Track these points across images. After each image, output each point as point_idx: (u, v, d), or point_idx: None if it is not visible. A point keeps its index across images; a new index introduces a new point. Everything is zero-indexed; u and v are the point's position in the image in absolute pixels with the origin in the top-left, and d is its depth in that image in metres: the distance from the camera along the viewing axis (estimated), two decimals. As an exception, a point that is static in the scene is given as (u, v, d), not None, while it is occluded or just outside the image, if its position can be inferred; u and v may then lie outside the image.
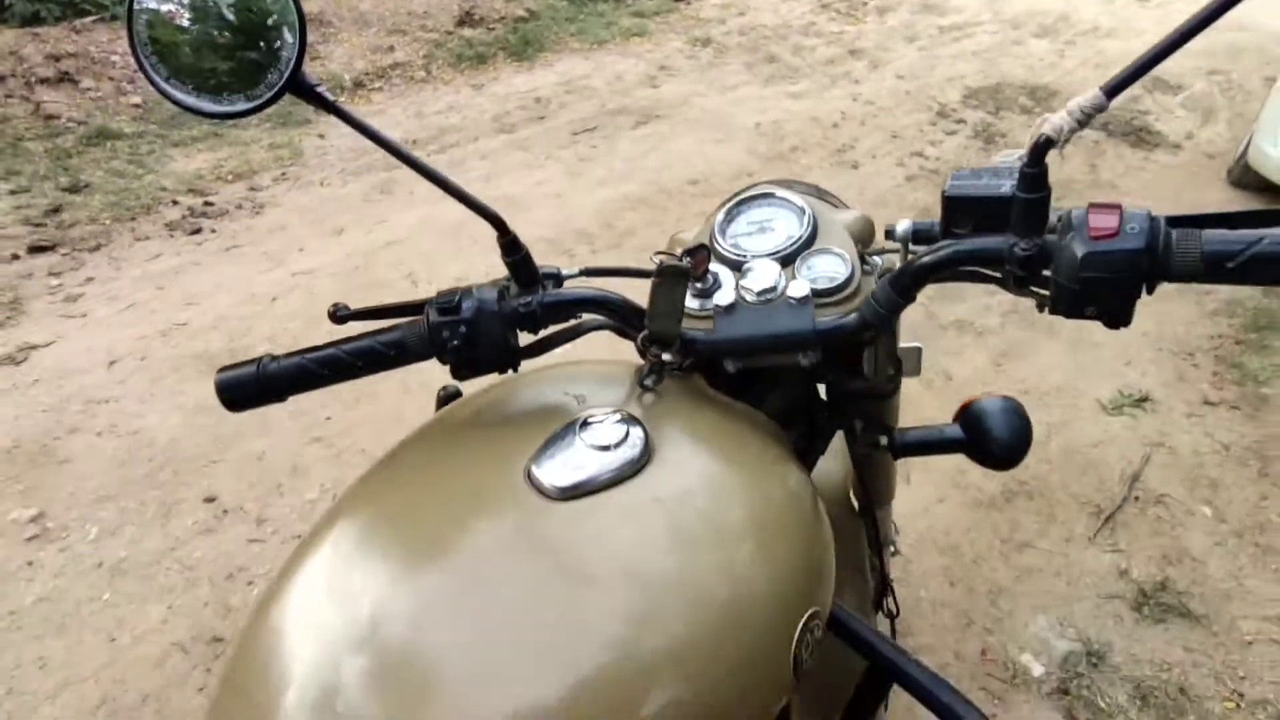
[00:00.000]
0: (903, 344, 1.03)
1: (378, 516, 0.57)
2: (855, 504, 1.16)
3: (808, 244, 0.71)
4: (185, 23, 0.64)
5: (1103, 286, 0.52)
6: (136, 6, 0.62)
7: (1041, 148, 0.52)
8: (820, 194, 0.89)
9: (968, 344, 2.75)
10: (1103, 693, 1.70)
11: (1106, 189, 3.77)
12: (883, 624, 1.38)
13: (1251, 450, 2.31)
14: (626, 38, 5.56)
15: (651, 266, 0.68)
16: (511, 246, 0.68)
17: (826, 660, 0.74)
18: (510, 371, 0.72)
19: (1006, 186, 0.58)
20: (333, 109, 0.63)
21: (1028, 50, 5.75)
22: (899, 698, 0.67)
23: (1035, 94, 4.88)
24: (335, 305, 0.78)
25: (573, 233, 3.28)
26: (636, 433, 0.59)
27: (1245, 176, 3.62)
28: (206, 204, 3.40)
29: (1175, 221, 0.55)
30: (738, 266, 0.71)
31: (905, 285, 0.61)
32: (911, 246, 0.71)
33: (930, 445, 0.82)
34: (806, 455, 0.86)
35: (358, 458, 2.21)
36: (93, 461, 2.23)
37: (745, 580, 0.52)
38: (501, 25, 5.29)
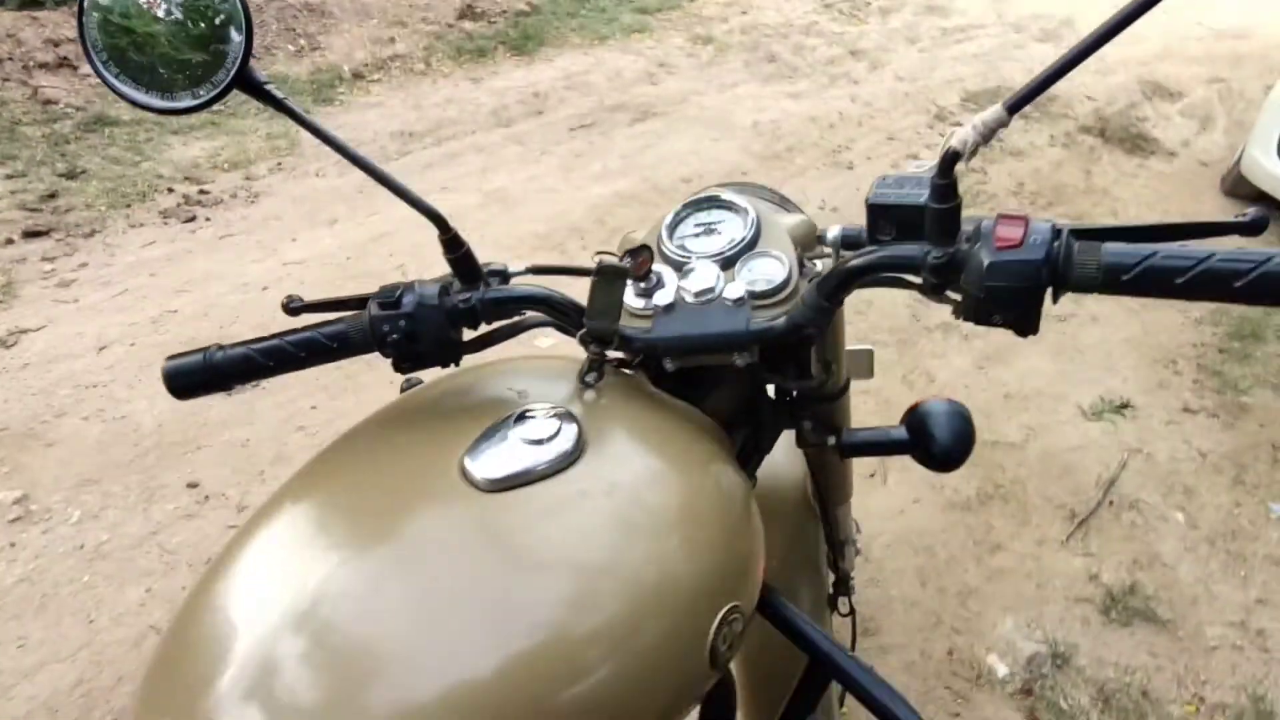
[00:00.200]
0: (853, 346, 1.05)
1: (318, 503, 0.59)
2: (815, 504, 1.18)
3: (750, 246, 0.73)
4: (135, 21, 0.66)
5: (1007, 295, 0.53)
6: (87, 4, 0.64)
7: (949, 160, 0.53)
8: (773, 197, 0.91)
9: (952, 346, 2.77)
10: (1066, 694, 1.72)
11: (1099, 195, 3.78)
12: (843, 623, 1.41)
13: (1228, 458, 2.32)
14: (628, 34, 5.57)
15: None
16: (452, 244, 0.70)
17: (774, 656, 0.76)
18: (453, 366, 0.75)
19: (924, 196, 0.60)
20: (280, 106, 0.65)
21: (1029, 54, 5.74)
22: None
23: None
24: (289, 297, 0.80)
25: (565, 228, 3.29)
26: (570, 428, 0.61)
27: (1238, 186, 3.63)
28: (202, 192, 3.43)
29: (1082, 234, 0.57)
30: (681, 267, 0.73)
31: (830, 290, 0.63)
32: (842, 252, 0.73)
33: (876, 446, 0.84)
34: (753, 454, 0.88)
35: (340, 447, 2.24)
36: (79, 445, 2.26)
37: (664, 572, 0.54)
38: (503, 19, 5.30)
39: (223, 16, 0.63)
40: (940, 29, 6.19)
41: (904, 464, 2.35)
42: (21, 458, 2.23)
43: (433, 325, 0.69)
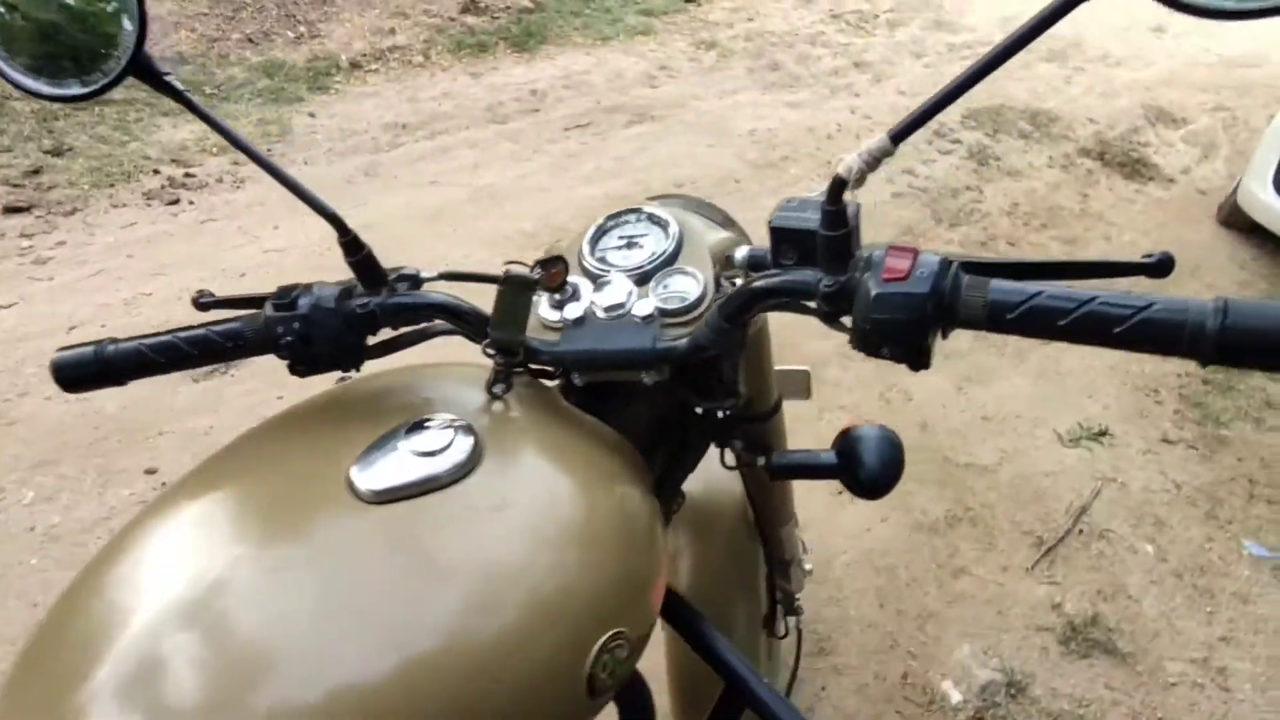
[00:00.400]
0: (790, 367, 1.02)
1: (207, 504, 0.57)
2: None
3: (669, 262, 0.71)
4: (23, 5, 0.64)
5: (892, 328, 0.52)
6: (-24, -10, 0.62)
7: (836, 187, 0.52)
8: (715, 215, 0.89)
9: (934, 364, 2.74)
10: (1018, 725, 1.69)
11: (1093, 219, 3.75)
12: (788, 644, 1.38)
13: (1203, 491, 2.29)
14: (631, 36, 5.55)
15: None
16: (352, 246, 0.68)
17: (704, 669, 0.74)
18: (354, 371, 0.72)
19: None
20: (179, 97, 0.63)
21: (1034, 74, 5.71)
22: None
23: (1036, 119, 4.85)
24: (200, 291, 0.78)
25: (550, 228, 3.27)
26: (465, 440, 0.60)
27: (1234, 216, 3.60)
28: (187, 175, 3.41)
29: (982, 267, 0.54)
30: (597, 280, 0.71)
31: (730, 312, 0.61)
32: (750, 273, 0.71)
33: (806, 469, 0.82)
34: (674, 473, 0.86)
35: (304, 439, 2.21)
36: (39, 425, 2.24)
37: (542, 593, 0.52)
38: (506, 15, 5.28)
39: (115, 4, 0.62)
40: (947, 44, 6.16)
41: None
42: (-20, 435, 2.20)
43: (328, 329, 0.67)
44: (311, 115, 4.10)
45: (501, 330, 0.67)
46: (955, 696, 1.74)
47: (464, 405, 0.68)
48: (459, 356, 0.74)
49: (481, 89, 4.55)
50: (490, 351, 0.68)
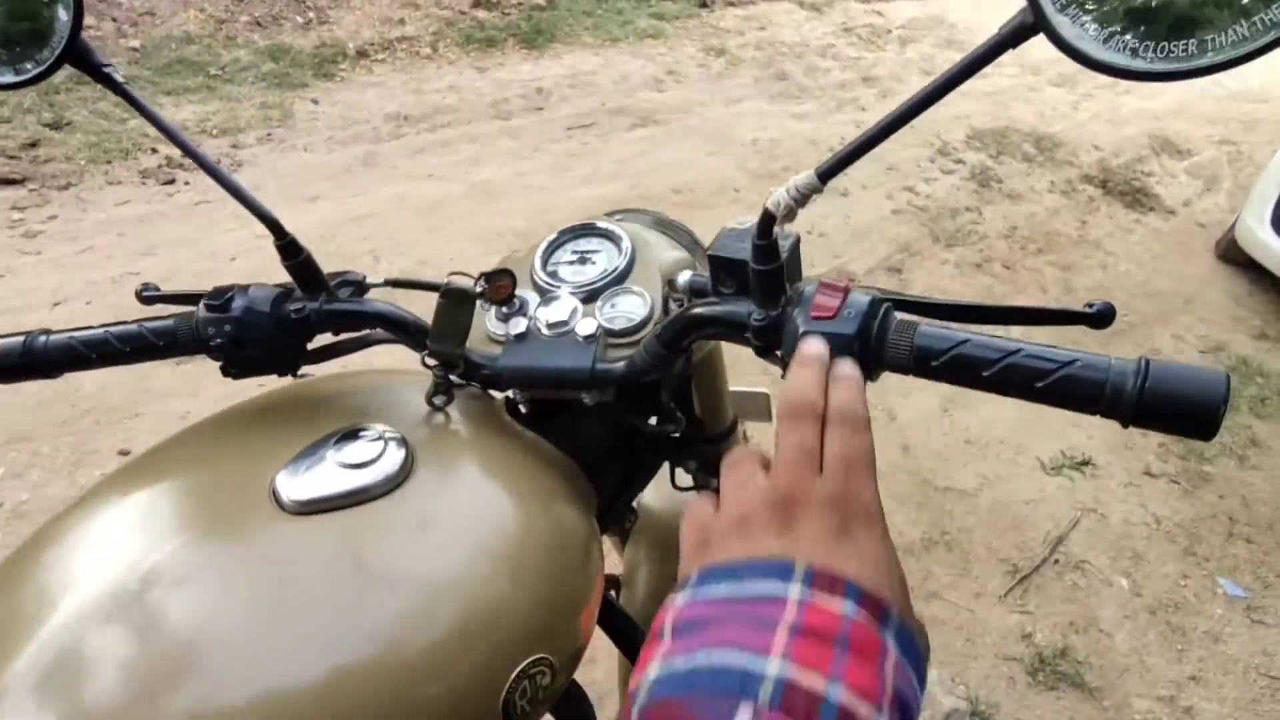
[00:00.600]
0: (748, 388, 1.01)
1: (133, 502, 0.56)
2: None
3: (619, 281, 0.70)
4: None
5: None
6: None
7: (766, 222, 0.51)
8: (682, 237, 0.87)
9: (919, 385, 2.72)
10: (979, 756, 1.67)
11: (1091, 247, 3.74)
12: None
13: (1182, 527, 2.28)
14: (641, 38, 5.54)
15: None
16: (289, 250, 0.66)
17: None
18: (290, 376, 0.71)
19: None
20: (117, 89, 0.62)
21: (1042, 97, 5.71)
22: None
23: (1040, 143, 4.85)
24: (143, 285, 0.77)
25: (546, 228, 3.20)
26: (397, 453, 0.58)
27: (1231, 251, 3.59)
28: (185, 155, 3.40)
29: (916, 307, 0.53)
30: (545, 295, 0.70)
31: (668, 338, 0.60)
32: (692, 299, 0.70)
33: None
34: (621, 493, 0.84)
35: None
36: (16, 400, 2.22)
37: (462, 614, 0.51)
38: (517, 11, 5.28)
39: None
40: (957, 64, 6.16)
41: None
42: (-45, 408, 2.19)
43: (261, 333, 0.66)
44: (314, 102, 4.09)
45: (440, 342, 0.66)
46: (918, 723, 1.72)
47: (402, 415, 0.67)
48: (414, 360, 0.73)
49: (487, 84, 4.55)
50: (430, 363, 0.67)
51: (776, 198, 0.50)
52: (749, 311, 0.55)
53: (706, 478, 0.85)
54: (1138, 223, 4.06)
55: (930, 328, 0.49)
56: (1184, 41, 0.33)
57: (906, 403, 2.63)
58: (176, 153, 3.47)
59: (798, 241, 0.58)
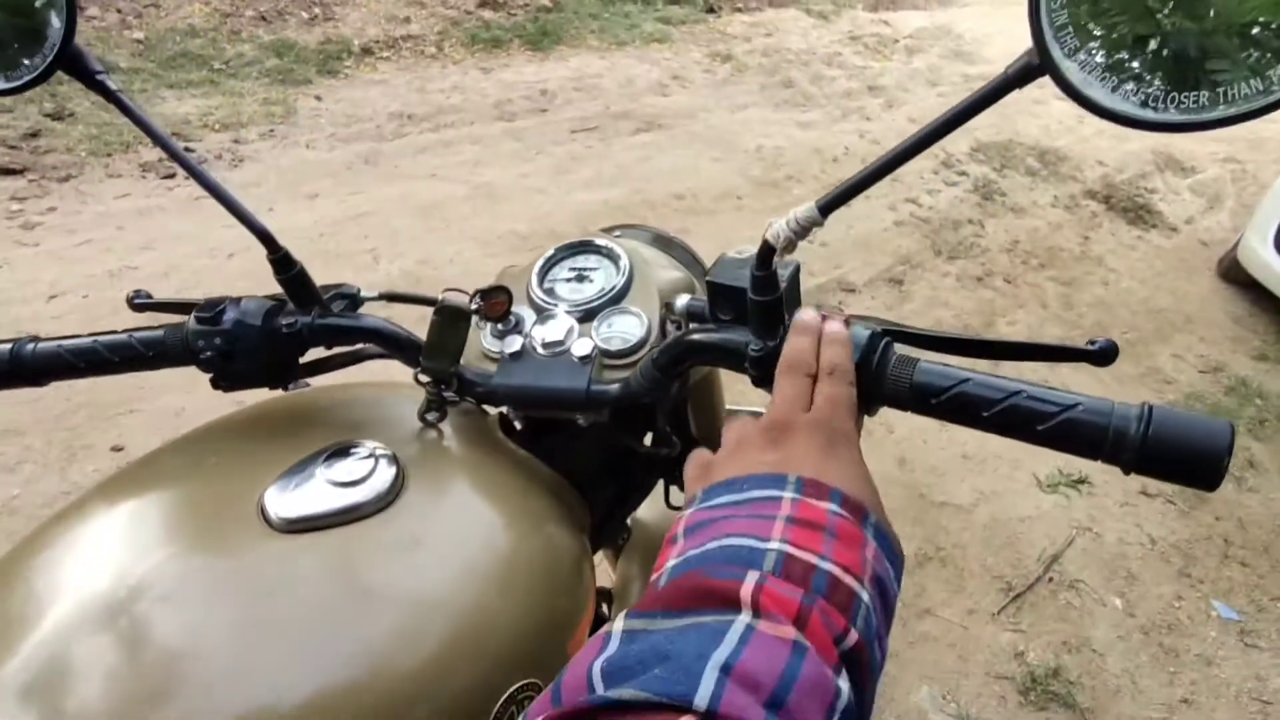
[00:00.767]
0: (745, 407, 1.00)
1: (121, 511, 0.56)
2: None
3: (616, 300, 0.69)
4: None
5: None
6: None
7: (765, 253, 0.50)
8: (681, 255, 0.86)
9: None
10: (968, 775, 1.66)
11: (1092, 263, 3.74)
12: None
13: (1177, 548, 2.27)
14: (647, 42, 5.54)
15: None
16: (283, 263, 0.65)
17: None
18: (280, 389, 0.71)
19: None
20: (110, 96, 0.61)
21: (1048, 111, 5.70)
22: None
23: (1044, 156, 4.84)
24: (135, 291, 0.76)
25: (546, 231, 3.25)
26: (387, 471, 0.58)
27: (1233, 271, 3.58)
28: (186, 149, 3.37)
29: (917, 339, 0.53)
30: (542, 313, 0.69)
31: (664, 363, 0.60)
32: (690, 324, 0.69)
33: None
34: (616, 511, 0.84)
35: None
36: (7, 395, 2.20)
37: (450, 638, 0.51)
38: (523, 12, 5.27)
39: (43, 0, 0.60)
40: (963, 75, 6.15)
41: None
42: (-52, 399, 2.18)
43: (252, 346, 0.65)
44: (318, 98, 4.08)
45: (434, 359, 0.65)
46: (908, 741, 1.72)
47: (394, 431, 0.66)
48: (407, 371, 0.73)
49: (492, 85, 4.54)
50: (423, 380, 0.67)
51: (776, 229, 0.50)
52: (747, 341, 0.54)
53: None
54: (1140, 239, 4.06)
55: (930, 364, 0.49)
56: (1196, 94, 0.32)
57: (904, 416, 2.62)
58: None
59: (797, 270, 0.58)
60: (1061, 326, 3.22)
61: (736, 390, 0.92)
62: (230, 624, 0.47)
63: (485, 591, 0.53)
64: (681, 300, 0.65)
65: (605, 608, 1.05)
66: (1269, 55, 0.31)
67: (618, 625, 0.33)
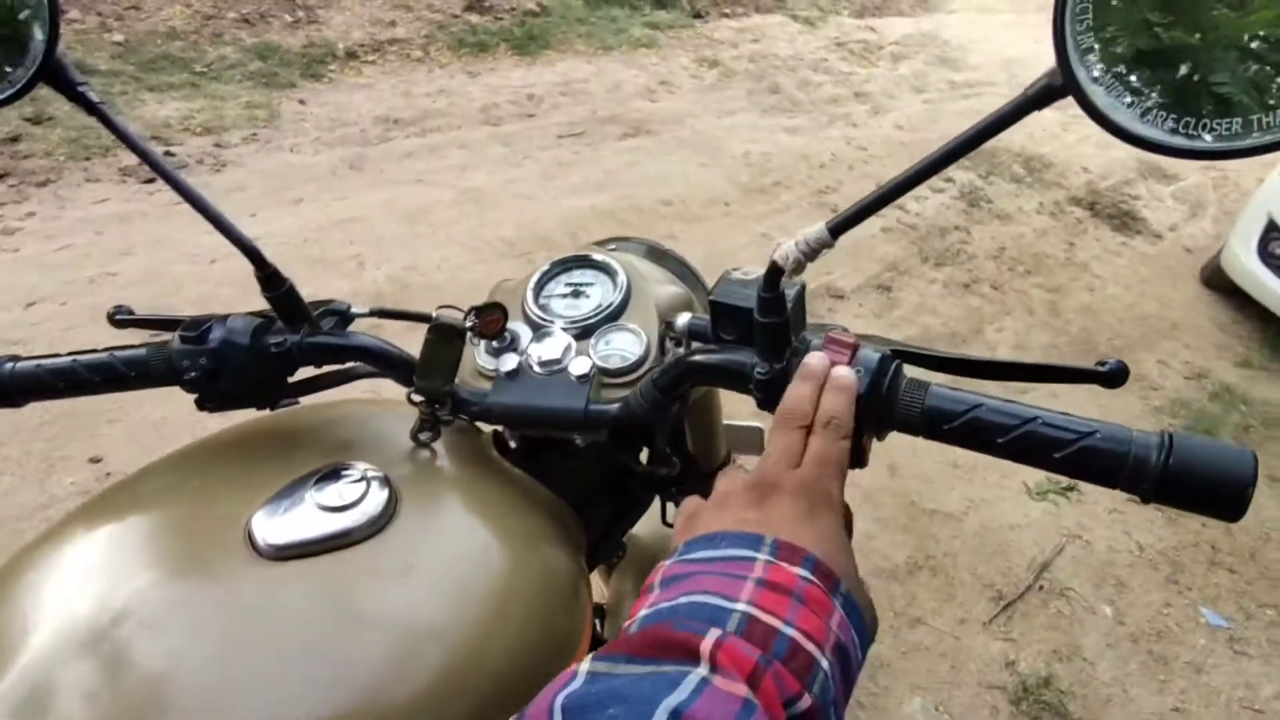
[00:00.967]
0: (742, 423, 0.99)
1: (105, 534, 0.54)
2: None
3: (614, 317, 0.68)
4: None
5: None
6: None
7: (773, 275, 0.49)
8: (675, 267, 0.85)
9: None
10: (961, 787, 1.66)
11: (1078, 269, 3.76)
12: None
13: (1165, 555, 2.28)
14: (634, 47, 5.53)
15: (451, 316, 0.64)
16: (271, 281, 0.63)
17: None
18: (268, 410, 0.69)
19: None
20: (93, 109, 0.60)
21: (1034, 118, 5.60)
22: None
23: (1030, 163, 4.88)
24: (116, 307, 0.74)
25: (534, 237, 3.23)
26: (379, 494, 0.57)
27: (1216, 278, 3.62)
28: (167, 153, 3.34)
29: (922, 359, 0.51)
30: (538, 330, 0.68)
31: (665, 384, 0.59)
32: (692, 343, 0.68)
33: None
34: (613, 529, 0.82)
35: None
36: (-16, 403, 2.16)
37: (448, 666, 0.49)
38: (510, 16, 5.25)
39: (28, 10, 0.59)
40: (949, 82, 6.20)
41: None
42: (-80, 410, 2.12)
43: (239, 366, 0.63)
44: (302, 102, 4.04)
45: (428, 379, 0.64)
46: (901, 753, 1.71)
47: (386, 452, 0.65)
48: (396, 388, 0.71)
49: (478, 89, 4.51)
50: (416, 399, 0.65)
51: (785, 251, 0.48)
52: (752, 363, 0.53)
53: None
54: (1125, 246, 4.09)
55: (942, 389, 0.48)
56: (1229, 120, 0.31)
57: (894, 423, 2.62)
58: (159, 151, 3.41)
59: (803, 290, 0.56)
60: (1048, 334, 3.24)
61: (733, 406, 0.90)
62: (215, 655, 0.46)
63: (482, 618, 0.52)
64: (683, 319, 0.63)
65: (599, 624, 1.04)
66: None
67: (585, 665, 0.34)
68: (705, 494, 0.85)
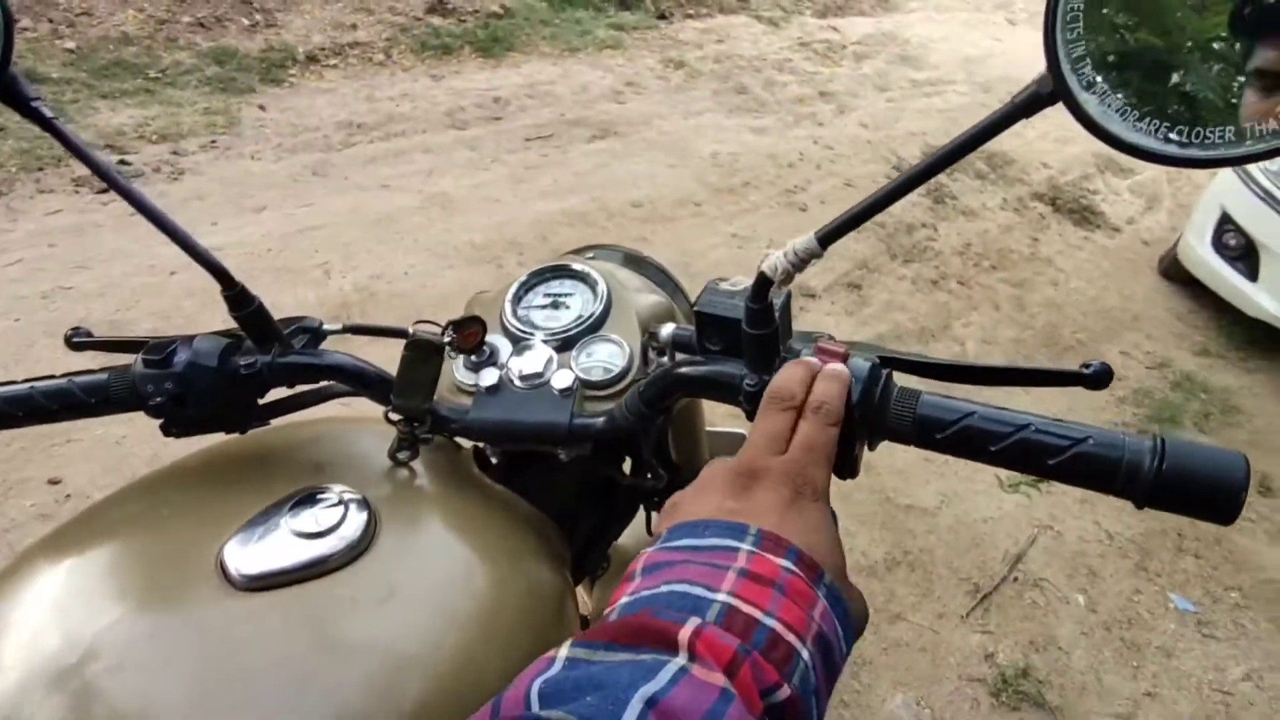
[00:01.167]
0: (726, 429, 0.98)
1: (73, 565, 0.52)
2: None
3: (595, 327, 0.67)
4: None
5: None
6: None
7: (761, 285, 0.49)
8: (654, 274, 0.84)
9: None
10: (945, 781, 1.67)
11: (1043, 264, 3.83)
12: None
13: (1134, 543, 2.33)
14: (600, 49, 5.52)
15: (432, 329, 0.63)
16: (239, 300, 0.61)
17: None
18: (239, 433, 0.66)
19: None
20: (47, 125, 0.56)
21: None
22: None
23: (992, 160, 4.95)
24: (74, 329, 0.71)
25: (504, 241, 3.20)
26: (358, 517, 0.55)
27: (1174, 269, 3.71)
28: (122, 163, 3.25)
29: (912, 366, 0.51)
30: (519, 343, 0.66)
31: (651, 397, 0.58)
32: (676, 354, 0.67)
33: None
34: (596, 542, 0.81)
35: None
36: (-67, 426, 2.08)
37: (437, 694, 0.48)
38: (473, 18, 5.20)
39: None
40: (910, 80, 6.27)
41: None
42: None
43: (207, 389, 0.60)
44: (262, 108, 3.95)
45: (405, 397, 0.62)
46: (885, 750, 1.72)
47: (363, 472, 0.63)
48: (372, 405, 0.69)
49: (443, 92, 4.46)
50: (394, 418, 0.63)
51: (774, 261, 0.48)
52: (741, 375, 0.53)
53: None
54: (1086, 240, 4.18)
55: (934, 397, 0.47)
56: (1221, 129, 0.31)
57: (867, 420, 2.64)
58: (113, 160, 3.32)
59: (789, 299, 0.56)
60: (1015, 328, 3.29)
61: (714, 410, 0.90)
62: (188, 693, 0.44)
63: (467, 641, 0.51)
64: (667, 329, 0.62)
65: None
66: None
67: (563, 651, 0.34)
68: None
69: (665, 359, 0.66)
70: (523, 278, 0.70)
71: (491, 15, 5.28)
